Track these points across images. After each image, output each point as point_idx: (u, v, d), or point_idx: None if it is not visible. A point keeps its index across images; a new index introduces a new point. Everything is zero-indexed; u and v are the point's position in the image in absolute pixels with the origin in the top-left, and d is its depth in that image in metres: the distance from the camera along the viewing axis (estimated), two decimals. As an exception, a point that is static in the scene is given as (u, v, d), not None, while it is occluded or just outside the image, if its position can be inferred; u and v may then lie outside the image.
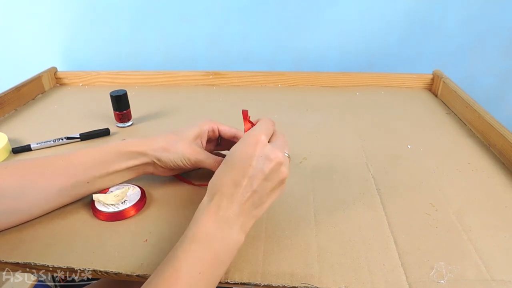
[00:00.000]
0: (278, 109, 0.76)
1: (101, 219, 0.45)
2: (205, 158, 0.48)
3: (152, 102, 0.81)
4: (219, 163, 0.45)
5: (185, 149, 0.47)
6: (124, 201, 0.46)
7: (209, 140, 0.54)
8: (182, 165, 0.48)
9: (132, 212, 0.46)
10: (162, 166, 0.48)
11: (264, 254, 0.40)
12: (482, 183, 0.52)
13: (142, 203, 0.47)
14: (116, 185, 0.49)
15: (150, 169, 0.49)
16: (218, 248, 0.35)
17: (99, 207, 0.45)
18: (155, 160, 0.47)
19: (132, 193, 0.48)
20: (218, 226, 0.36)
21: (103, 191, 0.48)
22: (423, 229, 0.44)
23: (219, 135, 0.53)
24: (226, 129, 0.53)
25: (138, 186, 0.49)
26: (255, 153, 0.37)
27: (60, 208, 0.46)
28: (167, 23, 0.95)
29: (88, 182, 0.45)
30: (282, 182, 0.39)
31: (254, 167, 0.37)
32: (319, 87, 0.89)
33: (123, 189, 0.48)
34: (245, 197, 0.37)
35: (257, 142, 0.38)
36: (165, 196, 0.50)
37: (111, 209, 0.45)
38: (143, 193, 0.48)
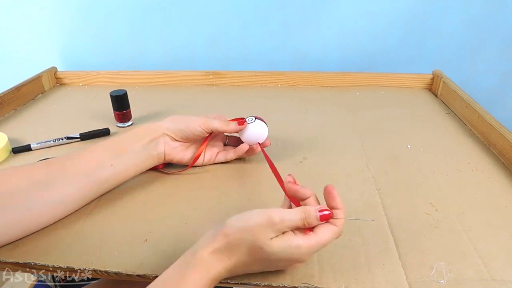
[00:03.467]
0: (278, 109, 0.76)
1: None
2: (213, 118, 0.52)
3: (152, 102, 0.81)
4: (227, 124, 0.52)
5: (193, 116, 0.53)
6: None
7: (216, 139, 0.56)
8: (192, 129, 0.51)
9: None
10: (173, 136, 0.51)
11: (264, 254, 0.40)
12: (482, 183, 0.52)
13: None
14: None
15: (161, 146, 0.51)
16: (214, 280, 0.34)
17: None
18: (166, 132, 0.51)
19: None
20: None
21: None
22: (423, 229, 0.44)
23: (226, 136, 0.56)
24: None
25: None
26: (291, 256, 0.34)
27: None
28: (167, 23, 0.95)
29: (112, 165, 0.46)
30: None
31: (276, 258, 0.34)
32: (319, 87, 0.89)
33: None
34: (246, 264, 0.35)
35: (300, 257, 0.35)
36: (169, 193, 0.50)
37: None
38: None
